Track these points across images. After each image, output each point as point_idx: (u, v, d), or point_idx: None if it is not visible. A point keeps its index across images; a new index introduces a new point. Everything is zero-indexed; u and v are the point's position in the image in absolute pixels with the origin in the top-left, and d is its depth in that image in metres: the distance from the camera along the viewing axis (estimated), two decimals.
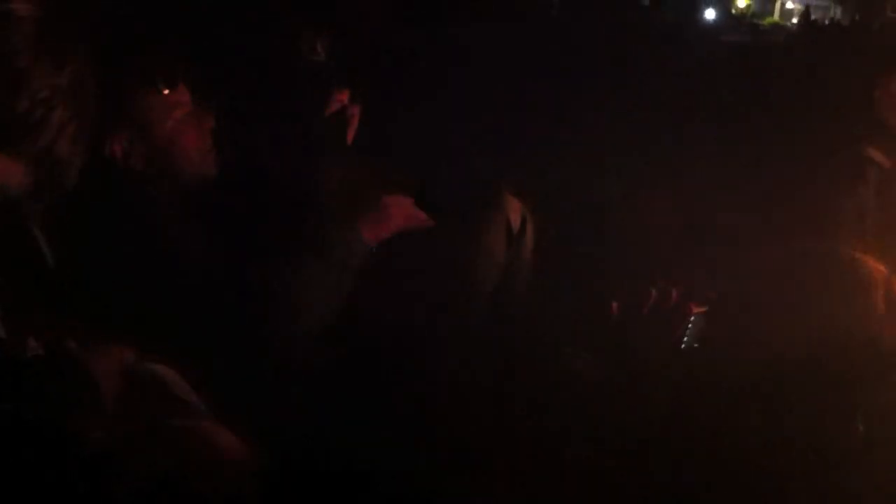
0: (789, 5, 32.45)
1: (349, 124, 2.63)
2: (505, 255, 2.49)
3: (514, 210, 2.55)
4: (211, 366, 1.49)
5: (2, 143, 1.18)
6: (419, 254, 2.39)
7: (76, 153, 1.26)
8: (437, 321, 2.36)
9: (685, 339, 1.67)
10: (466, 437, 1.72)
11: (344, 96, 2.62)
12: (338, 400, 2.08)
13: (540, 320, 2.48)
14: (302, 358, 2.09)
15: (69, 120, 1.22)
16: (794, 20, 28.08)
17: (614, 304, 1.75)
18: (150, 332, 1.49)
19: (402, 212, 2.30)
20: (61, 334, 1.36)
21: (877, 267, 1.64)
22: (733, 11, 29.42)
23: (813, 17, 21.43)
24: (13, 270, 1.33)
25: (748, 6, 31.33)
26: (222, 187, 2.24)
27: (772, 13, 31.90)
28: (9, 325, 1.27)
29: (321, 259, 2.14)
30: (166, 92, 2.13)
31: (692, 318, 1.67)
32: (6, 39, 1.17)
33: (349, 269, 2.18)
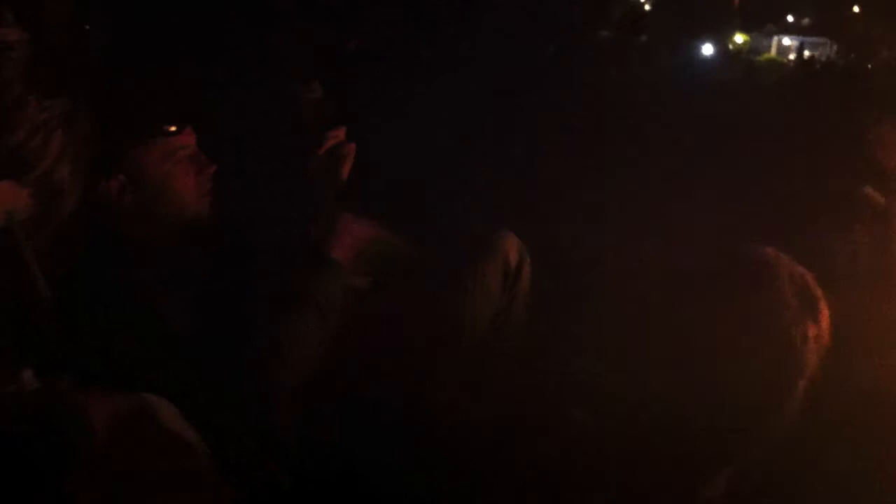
0: (786, 42, 32.64)
1: (345, 161, 2.63)
2: (501, 296, 2.48)
3: (512, 248, 2.53)
4: (200, 413, 1.48)
5: (3, 171, 1.17)
6: (415, 294, 2.39)
7: (75, 180, 1.25)
8: (432, 362, 2.35)
9: None
10: (461, 481, 1.71)
11: (340, 133, 2.63)
12: (329, 446, 2.08)
13: (534, 361, 2.47)
14: (292, 406, 2.08)
15: (68, 146, 1.22)
16: (791, 56, 28.25)
17: None
18: (137, 375, 1.48)
19: (353, 226, 2.29)
20: (55, 372, 1.35)
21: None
22: (730, 48, 29.59)
23: (808, 54, 21.57)
24: (8, 302, 1.32)
25: (745, 43, 31.51)
26: (215, 230, 2.23)
27: (768, 50, 32.08)
28: (2, 359, 1.27)
29: (306, 300, 2.13)
30: (173, 130, 2.14)
31: None
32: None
33: (332, 304, 2.16)
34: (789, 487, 1.87)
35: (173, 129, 2.14)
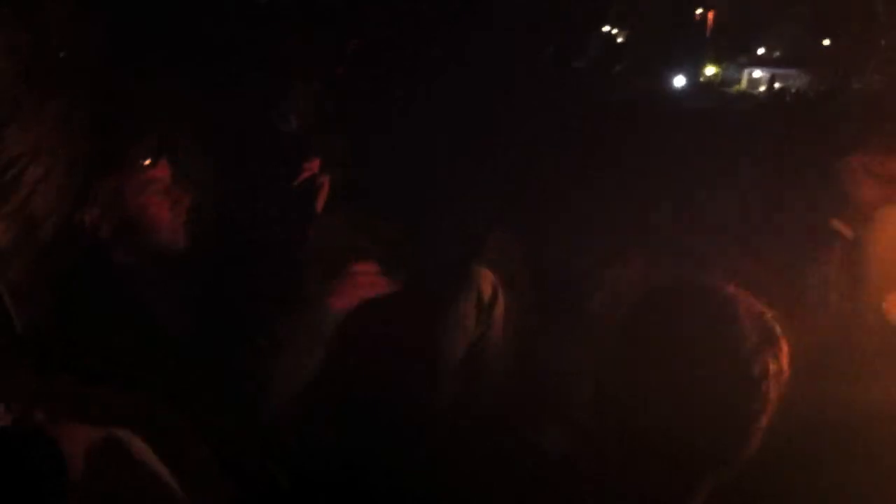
0: (756, 73, 32.97)
1: (319, 193, 2.66)
2: (475, 326, 2.52)
3: (486, 281, 2.58)
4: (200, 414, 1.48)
5: None
6: (390, 325, 2.41)
7: (54, 207, 1.25)
8: (408, 391, 2.38)
9: None
10: (460, 482, 1.72)
11: (315, 165, 2.66)
12: (329, 446, 2.09)
13: (508, 392, 2.50)
14: (291, 407, 2.10)
15: (43, 177, 1.21)
16: (762, 88, 28.52)
17: None
18: (129, 378, 1.48)
19: (367, 280, 2.33)
20: (29, 403, 1.35)
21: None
22: (701, 79, 29.86)
23: (779, 85, 21.80)
24: None
25: (716, 74, 31.81)
26: (191, 259, 2.24)
27: (739, 81, 32.39)
28: None
29: (293, 329, 2.16)
30: (147, 164, 2.15)
31: None
32: None
33: (320, 337, 2.20)
34: None
35: (148, 162, 2.15)
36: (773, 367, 1.52)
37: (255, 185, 2.58)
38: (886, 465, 1.96)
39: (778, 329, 1.57)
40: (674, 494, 1.56)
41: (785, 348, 1.56)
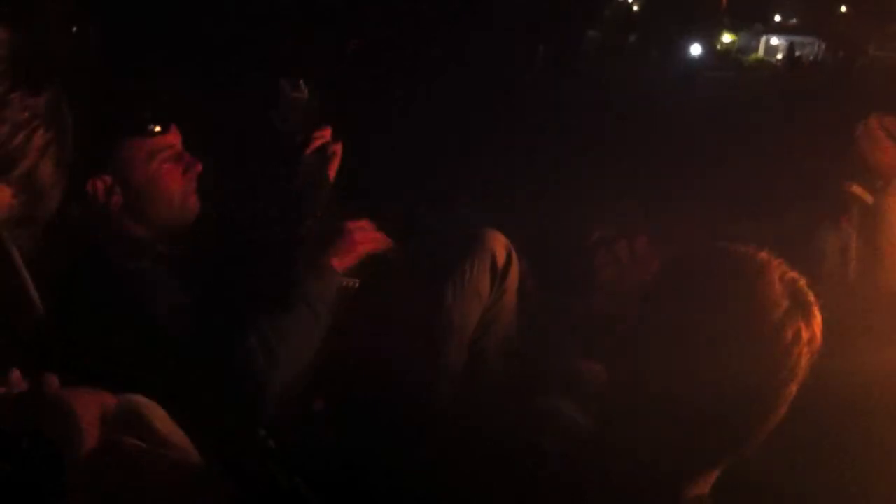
0: (774, 41, 32.74)
1: (331, 161, 2.63)
2: (490, 293, 2.45)
3: (500, 244, 2.50)
4: (193, 416, 1.46)
5: None
6: (404, 294, 2.38)
7: (59, 177, 1.24)
8: (421, 362, 2.34)
9: None
10: (461, 482, 1.70)
11: (327, 133, 2.63)
12: (329, 446, 2.08)
13: (522, 364, 2.46)
14: (285, 408, 2.08)
15: (50, 144, 1.20)
16: (779, 56, 28.32)
17: None
18: (128, 378, 1.47)
19: (365, 236, 2.30)
20: (43, 371, 1.34)
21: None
22: (718, 47, 29.69)
23: (797, 53, 21.64)
24: None
25: (733, 42, 31.62)
26: (202, 231, 2.23)
27: (756, 50, 32.19)
28: None
29: (297, 299, 2.13)
30: (157, 130, 2.13)
31: None
32: None
33: (324, 305, 2.17)
34: (777, 487, 1.86)
35: (158, 128, 2.14)
36: (805, 335, 1.49)
37: (256, 185, 2.56)
38: None
39: (811, 297, 1.54)
40: (692, 472, 1.53)
41: (818, 317, 1.53)
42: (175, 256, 2.19)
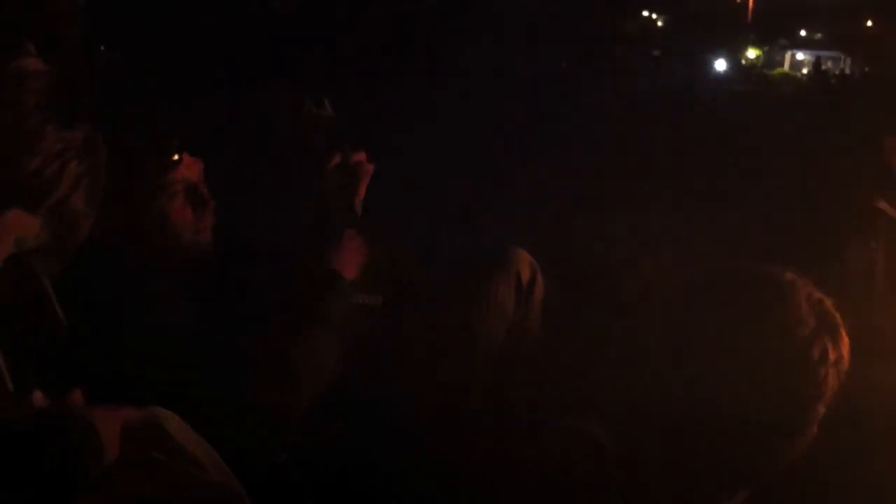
0: (799, 56, 32.63)
1: (361, 181, 2.60)
2: (515, 311, 2.44)
3: (524, 262, 2.49)
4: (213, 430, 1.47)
5: (17, 199, 1.18)
6: (427, 314, 2.38)
7: (90, 207, 1.26)
8: (445, 381, 2.33)
9: None
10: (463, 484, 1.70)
11: (361, 155, 2.59)
12: (333, 447, 2.07)
13: (547, 382, 2.45)
14: (304, 429, 2.07)
15: (83, 175, 1.22)
16: (805, 70, 28.20)
17: None
18: (148, 395, 1.47)
19: (357, 242, 2.27)
20: (66, 390, 1.35)
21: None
22: (743, 62, 29.62)
23: (823, 67, 21.54)
24: (24, 325, 1.32)
25: (758, 57, 31.55)
26: (219, 257, 2.22)
27: (781, 64, 32.08)
28: (16, 379, 1.27)
29: (315, 318, 2.11)
30: (175, 159, 2.10)
31: None
32: (19, 96, 1.18)
33: (337, 318, 2.14)
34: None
35: (175, 158, 2.10)
36: (832, 355, 1.48)
37: (291, 175, 2.55)
38: None
39: (838, 317, 1.53)
40: (719, 493, 1.53)
41: (845, 338, 1.53)
42: (195, 280, 2.18)
